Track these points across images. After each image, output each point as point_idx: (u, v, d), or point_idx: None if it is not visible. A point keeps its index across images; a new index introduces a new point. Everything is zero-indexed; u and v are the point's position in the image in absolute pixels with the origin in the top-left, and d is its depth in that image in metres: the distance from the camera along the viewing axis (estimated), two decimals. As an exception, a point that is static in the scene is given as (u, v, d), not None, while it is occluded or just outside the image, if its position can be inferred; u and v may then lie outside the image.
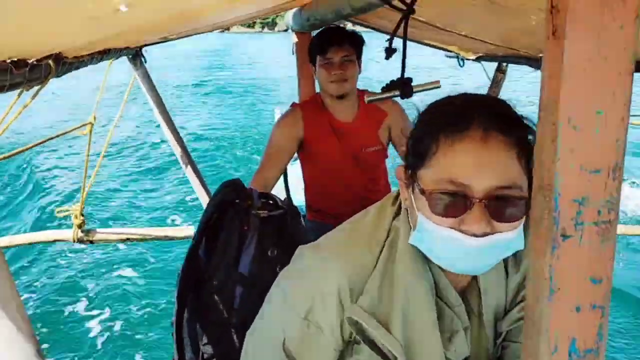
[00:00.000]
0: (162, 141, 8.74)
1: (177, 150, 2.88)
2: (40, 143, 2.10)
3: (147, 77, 2.90)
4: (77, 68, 1.40)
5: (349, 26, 2.87)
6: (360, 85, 2.34)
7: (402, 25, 1.14)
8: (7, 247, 3.39)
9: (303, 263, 0.99)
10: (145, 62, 2.95)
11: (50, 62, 1.09)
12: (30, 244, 3.36)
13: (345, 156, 2.31)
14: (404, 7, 1.12)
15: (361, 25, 2.76)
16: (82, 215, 3.17)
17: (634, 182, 8.11)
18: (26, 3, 0.55)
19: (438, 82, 1.42)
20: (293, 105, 2.40)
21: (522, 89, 11.84)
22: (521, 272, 1.00)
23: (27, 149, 2.07)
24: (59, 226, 5.22)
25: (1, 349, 0.62)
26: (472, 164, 0.79)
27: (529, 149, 0.82)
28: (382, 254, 0.93)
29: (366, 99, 1.43)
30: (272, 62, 22.98)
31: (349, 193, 2.37)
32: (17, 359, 0.61)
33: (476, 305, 1.00)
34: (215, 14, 1.36)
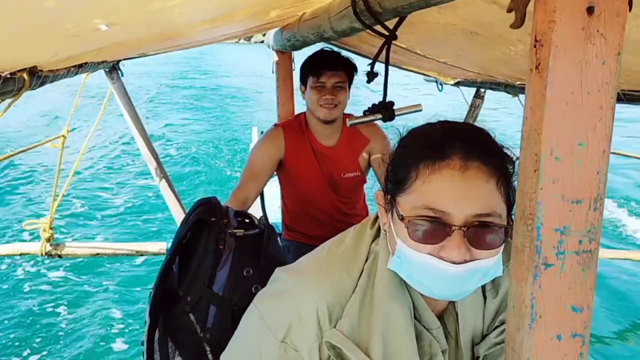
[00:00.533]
0: (137, 155, 8.62)
1: (152, 164, 2.85)
2: (11, 155, 2.05)
3: (123, 91, 2.87)
4: (52, 81, 1.37)
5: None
6: None
7: (385, 50, 1.15)
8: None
9: (281, 285, 0.98)
10: (122, 75, 2.92)
11: (25, 75, 1.06)
12: (-4, 257, 3.28)
13: (323, 179, 2.32)
14: (387, 33, 1.13)
15: (341, 48, 2.79)
16: (52, 228, 3.10)
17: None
18: (6, 21, 0.53)
19: (420, 105, 1.44)
20: (275, 125, 2.40)
21: (502, 118, 12.06)
22: (499, 297, 1.01)
23: (-3, 160, 2.02)
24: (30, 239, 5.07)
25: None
26: (452, 192, 0.80)
27: (508, 177, 0.84)
28: (361, 278, 0.93)
29: (348, 122, 1.44)
30: (249, 73, 22.93)
31: (325, 215, 2.37)
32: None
33: (454, 329, 1.00)
34: (196, 34, 1.36)
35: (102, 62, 2.09)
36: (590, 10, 0.50)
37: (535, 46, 0.53)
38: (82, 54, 1.29)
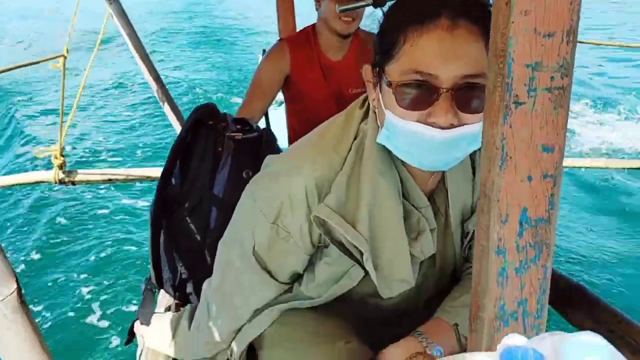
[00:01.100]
0: (144, 84, 8.48)
1: (154, 86, 2.82)
2: (10, 69, 2.05)
3: (121, 12, 2.81)
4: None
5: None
6: None
7: None
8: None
9: (271, 168, 0.99)
10: (120, -5, 2.84)
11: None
12: (10, 186, 3.34)
13: (329, 96, 2.27)
14: None
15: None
16: (63, 155, 3.14)
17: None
18: None
19: None
20: (280, 39, 2.34)
21: None
22: None
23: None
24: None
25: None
26: (439, 53, 0.79)
27: None
28: (349, 155, 0.93)
29: (338, 8, 1.39)
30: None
31: None
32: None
33: (444, 206, 1.01)
34: None
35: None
36: None
37: None
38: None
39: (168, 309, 1.48)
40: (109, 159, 6.61)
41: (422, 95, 0.81)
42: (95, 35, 3.10)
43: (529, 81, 0.53)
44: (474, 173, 1.01)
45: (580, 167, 4.08)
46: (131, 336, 1.37)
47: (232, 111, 1.80)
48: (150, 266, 1.43)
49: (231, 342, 1.10)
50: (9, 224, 5.14)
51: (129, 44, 2.87)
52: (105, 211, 5.29)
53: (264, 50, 2.99)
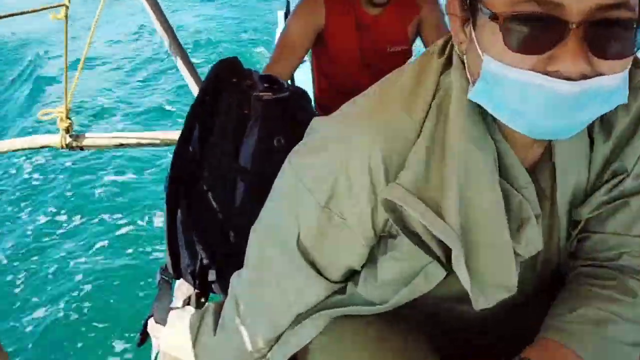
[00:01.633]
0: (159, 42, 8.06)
1: (166, 39, 2.56)
2: (7, 16, 1.82)
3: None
4: None
5: None
6: None
7: None
8: (-11, 154, 3.17)
9: (320, 135, 0.76)
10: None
11: None
12: (14, 150, 3.15)
13: (366, 55, 2.03)
14: None
15: None
16: (69, 118, 2.92)
17: None
18: None
19: None
20: None
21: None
22: (612, 141, 0.76)
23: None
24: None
25: None
26: None
27: None
28: (427, 119, 0.70)
29: None
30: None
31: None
32: None
33: (548, 188, 0.78)
34: None
35: None
36: None
37: None
38: None
39: (187, 301, 1.27)
40: (120, 122, 6.36)
41: (541, 33, 0.58)
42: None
43: None
44: (591, 146, 0.77)
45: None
46: (144, 336, 1.17)
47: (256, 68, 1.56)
48: (165, 252, 1.22)
49: (267, 352, 0.89)
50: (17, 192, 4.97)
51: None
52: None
53: (288, 2, 2.70)
